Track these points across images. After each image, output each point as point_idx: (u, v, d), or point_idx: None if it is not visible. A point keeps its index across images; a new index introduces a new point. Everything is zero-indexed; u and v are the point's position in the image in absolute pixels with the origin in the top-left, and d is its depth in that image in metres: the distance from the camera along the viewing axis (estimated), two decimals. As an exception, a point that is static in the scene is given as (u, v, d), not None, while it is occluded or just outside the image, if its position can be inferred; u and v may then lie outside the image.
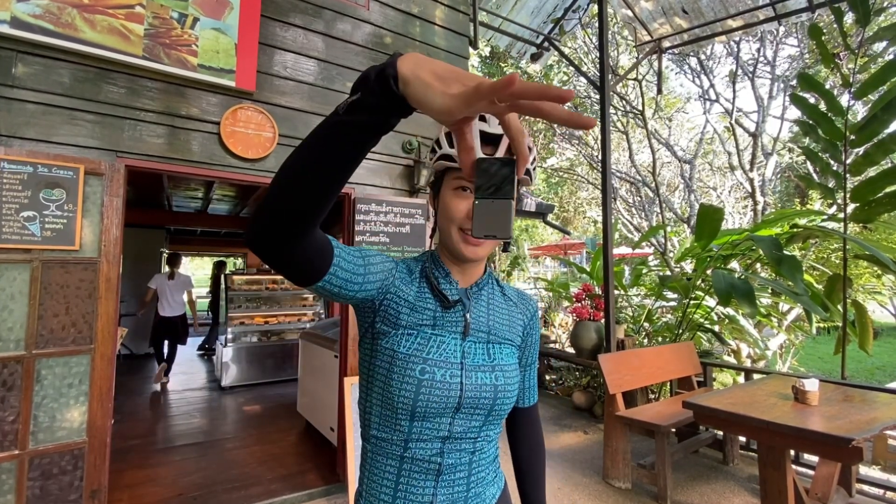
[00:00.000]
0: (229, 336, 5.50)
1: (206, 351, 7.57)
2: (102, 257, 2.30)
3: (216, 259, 8.33)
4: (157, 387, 5.41)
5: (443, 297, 0.81)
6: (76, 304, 2.24)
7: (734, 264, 4.81)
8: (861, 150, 3.48)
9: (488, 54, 11.94)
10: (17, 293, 2.12)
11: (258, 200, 6.41)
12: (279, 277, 6.66)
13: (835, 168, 3.56)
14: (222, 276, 6.52)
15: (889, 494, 2.92)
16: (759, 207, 8.74)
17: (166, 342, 5.48)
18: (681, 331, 4.65)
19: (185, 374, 6.20)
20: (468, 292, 0.84)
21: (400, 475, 0.78)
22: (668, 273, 6.07)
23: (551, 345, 6.97)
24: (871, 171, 3.47)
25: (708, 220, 4.13)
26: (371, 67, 0.47)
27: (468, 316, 0.82)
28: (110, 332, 2.31)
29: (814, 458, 3.10)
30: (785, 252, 3.42)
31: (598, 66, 6.12)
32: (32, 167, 2.15)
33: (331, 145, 0.50)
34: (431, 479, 0.77)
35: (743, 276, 4.04)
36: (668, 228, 9.67)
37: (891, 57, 3.25)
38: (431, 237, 0.88)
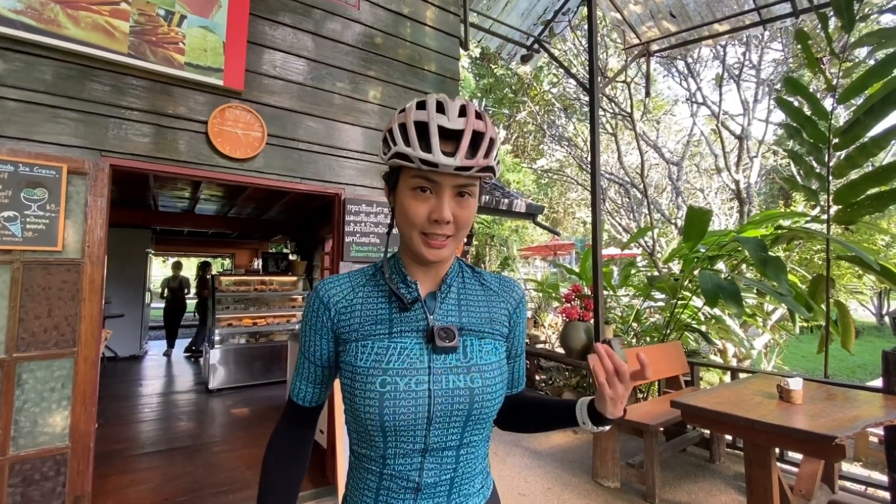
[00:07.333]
0: (217, 338, 5.42)
1: (193, 353, 7.46)
2: (86, 258, 2.25)
3: (201, 260, 8.20)
4: (142, 387, 5.36)
5: (399, 299, 0.76)
6: (59, 307, 2.19)
7: (720, 265, 4.87)
8: (844, 153, 3.55)
9: (478, 55, 11.97)
10: (-4, 295, 2.07)
11: (247, 202, 6.29)
12: (268, 278, 6.60)
13: (818, 171, 3.62)
14: (209, 278, 6.42)
15: (870, 490, 2.99)
16: (745, 209, 8.88)
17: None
18: (668, 331, 4.70)
19: (171, 377, 6.10)
20: (436, 294, 0.80)
21: (379, 491, 0.76)
22: (656, 274, 6.14)
23: (541, 345, 7.00)
24: (854, 174, 3.54)
25: (696, 222, 4.18)
26: None
27: (431, 318, 0.76)
28: (94, 334, 2.27)
29: (798, 456, 3.15)
30: (770, 253, 3.47)
31: (587, 68, 6.15)
32: (13, 166, 2.10)
33: None
34: (410, 496, 0.75)
35: (729, 277, 4.09)
36: (656, 230, 9.77)
37: (873, 62, 3.31)
38: (389, 234, 0.84)
